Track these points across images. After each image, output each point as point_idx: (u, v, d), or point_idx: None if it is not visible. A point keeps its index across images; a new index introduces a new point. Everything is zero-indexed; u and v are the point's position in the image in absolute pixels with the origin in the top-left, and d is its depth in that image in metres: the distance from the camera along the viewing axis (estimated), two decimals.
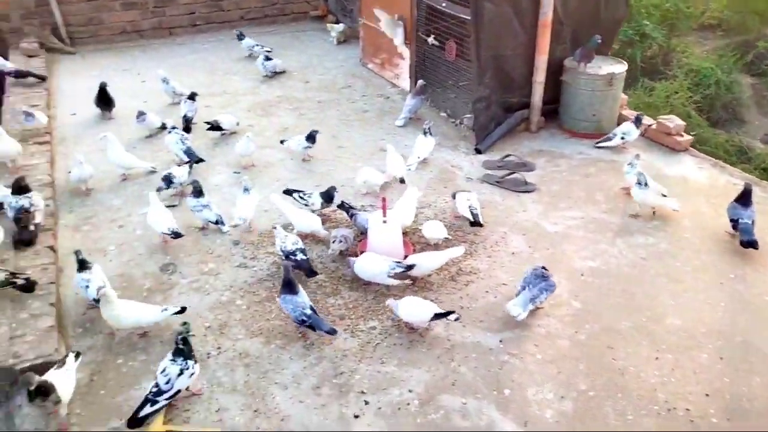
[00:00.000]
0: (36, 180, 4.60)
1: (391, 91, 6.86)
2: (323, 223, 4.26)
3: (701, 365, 3.23)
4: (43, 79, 6.59)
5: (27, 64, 6.90)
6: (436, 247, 4.07)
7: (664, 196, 4.45)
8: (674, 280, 3.85)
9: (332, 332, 3.29)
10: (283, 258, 3.83)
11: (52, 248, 3.93)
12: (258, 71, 7.18)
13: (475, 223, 4.22)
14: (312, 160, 5.33)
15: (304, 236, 4.18)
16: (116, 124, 5.93)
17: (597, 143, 5.45)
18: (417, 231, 4.27)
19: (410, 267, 3.66)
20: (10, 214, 4.01)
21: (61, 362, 2.95)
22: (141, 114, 5.61)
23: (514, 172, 5.02)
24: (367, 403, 3.00)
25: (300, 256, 3.78)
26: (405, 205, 4.26)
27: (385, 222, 3.94)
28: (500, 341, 3.36)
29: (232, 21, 8.86)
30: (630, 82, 7.39)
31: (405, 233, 4.14)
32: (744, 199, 4.11)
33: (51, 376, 2.83)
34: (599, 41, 5.41)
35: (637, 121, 5.31)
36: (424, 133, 5.22)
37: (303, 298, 3.36)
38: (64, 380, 2.86)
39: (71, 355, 3.01)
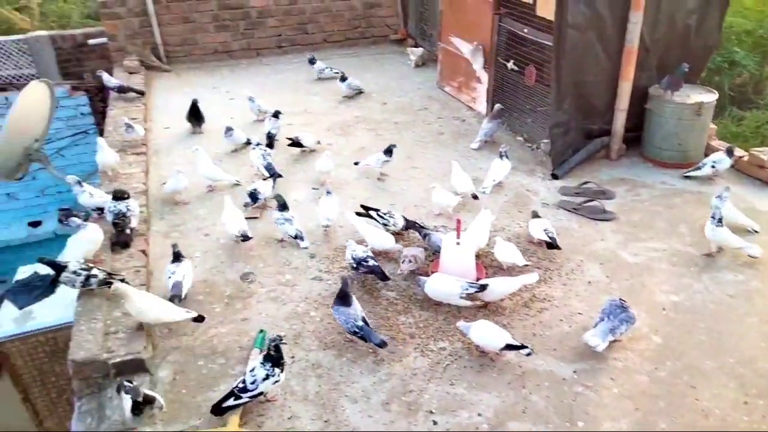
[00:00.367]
0: (131, 188, 4.92)
1: (467, 114, 6.90)
2: (396, 241, 4.32)
3: None
4: (141, 94, 7.09)
5: (128, 80, 7.45)
6: (509, 271, 4.04)
7: (756, 231, 4.22)
8: (766, 321, 3.64)
9: (382, 345, 3.37)
10: (354, 265, 3.96)
11: (144, 252, 4.20)
12: (337, 92, 7.42)
13: (553, 246, 4.16)
14: (386, 180, 5.44)
15: (377, 253, 4.27)
16: (205, 139, 6.28)
17: (686, 173, 5.26)
18: (489, 254, 4.26)
19: (483, 287, 3.66)
20: (109, 218, 4.32)
21: None
22: (229, 129, 5.92)
23: (592, 200, 4.92)
24: (435, 423, 3.01)
25: (371, 262, 3.92)
26: (479, 228, 4.26)
27: (458, 244, 3.96)
28: (574, 372, 3.29)
29: (316, 43, 9.21)
30: (717, 110, 7.09)
31: (478, 256, 4.14)
32: None
33: None
34: (686, 69, 5.25)
35: (729, 153, 5.08)
36: (500, 157, 5.22)
37: (356, 310, 3.47)
38: None
39: None
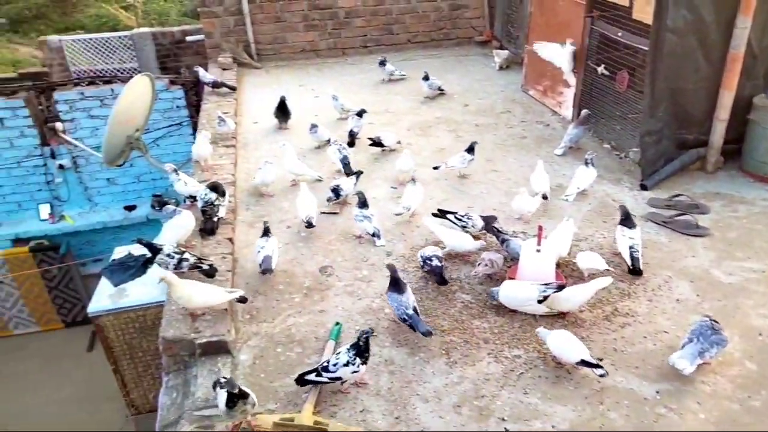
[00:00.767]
0: (221, 179, 5.16)
1: (551, 118, 6.74)
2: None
3: None
4: (233, 89, 7.42)
5: (221, 76, 7.82)
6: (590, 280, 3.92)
7: None
8: None
9: (428, 334, 3.44)
10: (421, 263, 4.03)
11: (230, 240, 4.40)
12: (419, 92, 7.45)
13: (634, 271, 3.99)
14: (465, 182, 5.40)
15: (453, 256, 4.27)
16: (290, 134, 6.48)
17: None
18: (570, 264, 4.15)
19: (561, 287, 3.58)
20: (200, 205, 4.56)
21: None
22: (314, 126, 6.09)
23: (684, 213, 4.67)
24: (507, 430, 2.97)
25: (435, 262, 3.96)
26: (560, 236, 4.16)
27: (538, 251, 3.88)
28: (657, 392, 3.14)
29: (400, 44, 9.30)
30: None
31: (558, 265, 4.04)
32: None
33: None
34: None
35: None
36: (586, 164, 5.06)
37: (408, 298, 3.56)
38: None
39: None
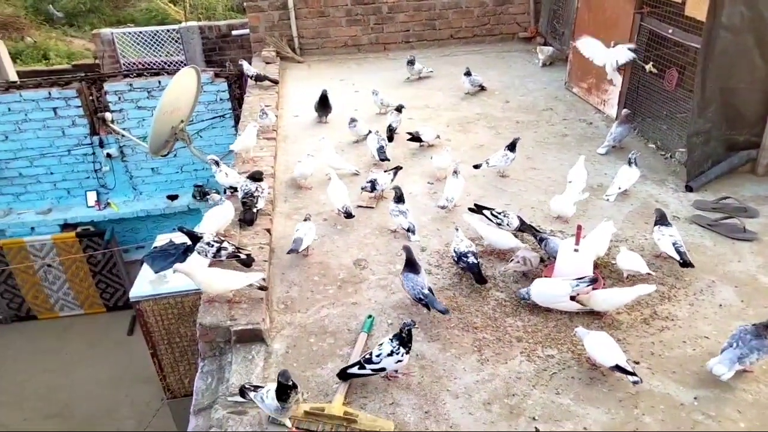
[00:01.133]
0: (261, 170, 5.25)
1: (595, 117, 6.60)
2: None
3: None
4: (275, 83, 7.52)
5: (264, 70, 7.94)
6: (632, 281, 3.84)
7: None
8: None
9: (445, 312, 3.57)
10: (456, 258, 4.01)
11: (268, 231, 4.47)
12: (459, 88, 7.40)
13: (685, 264, 3.89)
14: (503, 180, 5.34)
15: (489, 252, 4.24)
16: (330, 128, 6.54)
17: None
18: (609, 265, 4.07)
19: (594, 280, 3.55)
20: (240, 195, 4.65)
21: None
22: (353, 121, 6.12)
23: (731, 217, 4.51)
24: (537, 430, 2.93)
25: (471, 259, 3.92)
26: (599, 237, 4.07)
27: (576, 251, 3.81)
28: (695, 398, 3.05)
29: (442, 39, 9.25)
30: None
31: (596, 266, 3.96)
32: None
33: None
34: None
35: None
36: (629, 163, 4.94)
37: (423, 278, 3.65)
38: None
39: None
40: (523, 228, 4.35)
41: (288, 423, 2.94)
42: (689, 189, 4.99)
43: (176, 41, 10.52)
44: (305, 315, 3.78)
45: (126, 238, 9.32)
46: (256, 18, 8.78)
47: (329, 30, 9.02)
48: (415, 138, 5.93)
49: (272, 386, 2.85)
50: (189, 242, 4.01)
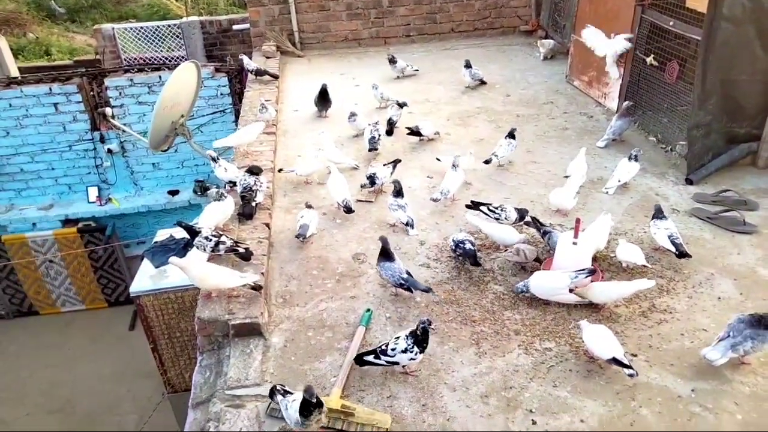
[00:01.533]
0: (261, 165, 5.25)
1: (595, 110, 6.58)
2: None
3: None
4: (276, 77, 7.51)
5: (265, 64, 7.93)
6: (630, 274, 3.83)
7: None
8: None
9: (428, 290, 3.67)
10: (453, 247, 4.06)
11: (267, 225, 4.47)
12: (460, 82, 7.37)
13: (681, 255, 3.88)
14: (503, 173, 5.33)
15: (488, 246, 4.24)
16: (329, 123, 6.53)
17: None
18: (608, 258, 4.06)
19: (592, 272, 3.56)
20: (239, 190, 4.65)
21: None
22: (353, 115, 6.11)
23: (731, 210, 4.49)
24: (534, 422, 2.93)
25: (468, 246, 3.98)
26: (598, 230, 4.06)
27: (575, 244, 3.80)
28: (692, 390, 3.05)
29: (443, 33, 9.22)
30: None
31: (594, 259, 3.95)
32: None
33: None
34: None
35: None
36: (629, 158, 4.92)
37: (399, 264, 3.75)
38: None
39: None
40: (527, 222, 4.34)
41: None
42: (689, 182, 4.97)
43: (177, 36, 10.50)
44: (304, 309, 3.78)
45: (127, 234, 9.34)
46: (256, 12, 8.76)
47: (330, 24, 9.00)
48: (414, 132, 5.91)
49: (299, 396, 2.79)
50: (189, 237, 4.01)
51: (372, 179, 4.92)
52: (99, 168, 9.14)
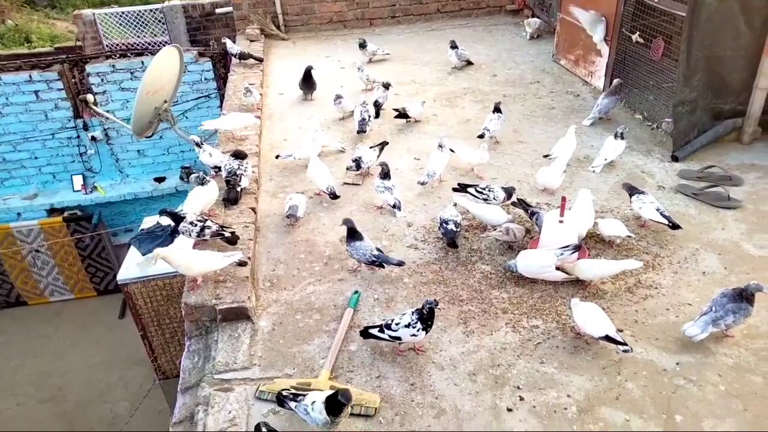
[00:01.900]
0: (246, 149, 5.19)
1: (582, 89, 6.57)
2: None
3: None
4: (260, 61, 7.42)
5: (249, 48, 7.83)
6: (617, 250, 3.86)
7: None
8: None
9: (400, 264, 3.72)
10: (439, 225, 4.10)
11: (253, 210, 4.44)
12: (446, 63, 7.33)
13: (674, 226, 3.95)
14: (490, 153, 5.29)
15: (476, 226, 4.24)
16: (315, 106, 6.47)
17: None
18: (593, 235, 4.08)
19: (578, 247, 3.61)
20: (224, 174, 4.60)
21: None
22: (338, 97, 6.05)
23: (716, 185, 4.52)
24: (522, 399, 2.96)
25: (450, 227, 4.02)
26: (583, 207, 4.06)
27: (561, 222, 3.81)
28: (677, 364, 3.08)
29: (429, 13, 9.14)
30: None
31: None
32: None
33: None
34: None
35: None
36: (615, 136, 4.92)
37: (367, 242, 3.78)
38: None
39: None
40: (514, 203, 4.34)
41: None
42: (675, 159, 4.99)
43: (160, 21, 10.30)
44: (291, 292, 3.77)
45: (114, 222, 9.27)
46: None
47: (314, 6, 8.88)
48: (401, 114, 5.88)
49: (316, 397, 2.74)
50: (174, 224, 3.97)
51: (358, 163, 4.89)
52: (83, 156, 9.03)
